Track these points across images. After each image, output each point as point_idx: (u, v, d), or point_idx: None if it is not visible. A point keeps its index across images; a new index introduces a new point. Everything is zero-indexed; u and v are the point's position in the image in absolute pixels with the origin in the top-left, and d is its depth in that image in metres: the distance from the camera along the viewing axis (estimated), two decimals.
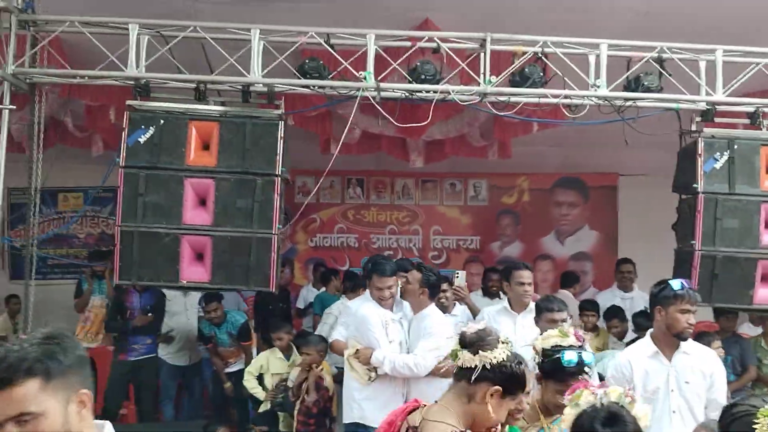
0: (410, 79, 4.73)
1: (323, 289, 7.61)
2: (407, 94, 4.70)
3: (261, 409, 5.13)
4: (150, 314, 5.90)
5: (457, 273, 5.18)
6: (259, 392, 5.26)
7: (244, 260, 4.63)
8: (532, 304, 4.24)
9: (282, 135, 4.63)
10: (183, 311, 6.37)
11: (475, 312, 5.08)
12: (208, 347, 6.23)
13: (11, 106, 4.74)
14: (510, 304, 4.41)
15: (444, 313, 5.07)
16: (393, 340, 4.23)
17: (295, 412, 4.55)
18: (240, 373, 5.75)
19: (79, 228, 9.13)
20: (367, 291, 5.37)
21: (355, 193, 9.29)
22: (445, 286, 5.19)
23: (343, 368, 4.56)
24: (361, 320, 4.35)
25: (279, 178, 4.62)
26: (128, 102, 4.65)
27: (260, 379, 5.30)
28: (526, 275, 4.47)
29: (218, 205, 4.61)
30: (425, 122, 4.85)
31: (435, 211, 9.28)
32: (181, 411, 6.38)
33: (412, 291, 4.17)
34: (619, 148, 8.50)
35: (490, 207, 9.27)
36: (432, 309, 4.31)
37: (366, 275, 4.38)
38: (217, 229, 4.62)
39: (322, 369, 4.63)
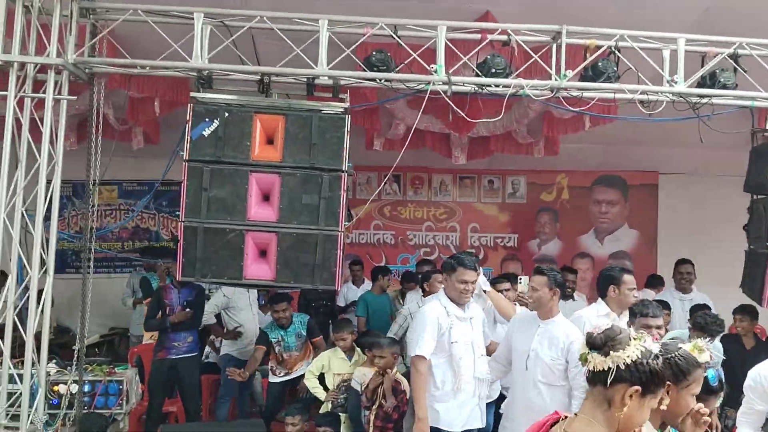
0: (479, 73, 4.59)
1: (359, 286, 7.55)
2: (477, 88, 4.56)
3: (322, 410, 5.01)
4: (188, 310, 5.76)
5: (521, 278, 4.98)
6: (320, 392, 5.14)
7: (310, 258, 4.49)
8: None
9: (348, 129, 4.49)
10: (248, 306, 6.26)
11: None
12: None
13: (72, 97, 4.63)
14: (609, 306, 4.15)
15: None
16: (456, 341, 3.99)
17: (371, 417, 4.41)
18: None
19: (113, 222, 9.03)
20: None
21: (392, 189, 9.17)
22: (506, 285, 5.05)
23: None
24: (418, 318, 4.15)
25: (345, 174, 4.48)
26: (192, 94, 4.52)
27: (321, 379, 5.18)
28: (631, 280, 4.13)
29: (283, 200, 4.47)
30: (496, 117, 4.69)
31: (472, 208, 9.16)
32: (236, 410, 6.25)
33: (542, 298, 3.79)
34: (659, 146, 8.43)
35: (528, 204, 9.14)
36: (562, 316, 3.95)
37: (446, 269, 4.14)
38: (282, 225, 4.48)
39: (396, 372, 4.50)
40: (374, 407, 4.43)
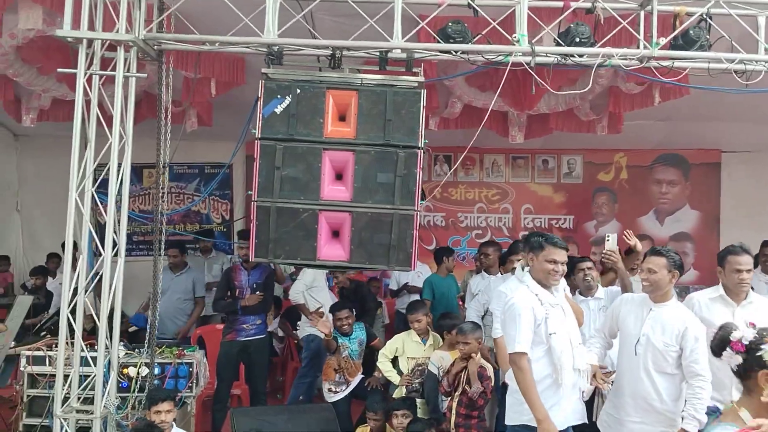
0: (561, 43, 4.37)
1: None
2: (560, 59, 4.34)
3: (395, 395, 4.89)
4: (259, 293, 5.67)
5: (608, 235, 4.49)
6: (393, 376, 5.01)
7: (385, 238, 4.35)
8: (753, 295, 3.84)
9: (424, 104, 4.31)
10: (325, 286, 6.17)
11: (626, 285, 4.56)
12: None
13: (143, 74, 4.52)
14: (726, 292, 3.88)
15: (586, 296, 4.74)
16: (555, 332, 3.67)
17: (454, 404, 4.27)
18: None
19: (164, 205, 8.97)
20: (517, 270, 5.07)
21: (443, 170, 8.97)
22: (588, 264, 4.83)
23: None
24: (510, 310, 3.79)
25: (421, 151, 4.31)
26: (263, 70, 4.38)
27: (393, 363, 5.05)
28: (744, 261, 3.82)
29: (357, 179, 4.33)
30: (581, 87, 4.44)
31: (526, 189, 8.93)
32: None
33: (661, 280, 3.56)
34: (722, 123, 8.10)
35: (584, 184, 8.89)
36: (676, 300, 3.73)
37: (530, 247, 3.89)
38: (357, 204, 4.34)
39: (479, 357, 4.33)
40: (457, 394, 4.28)
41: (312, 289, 6.12)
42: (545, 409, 3.51)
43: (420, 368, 4.93)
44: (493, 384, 4.26)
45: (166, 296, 6.37)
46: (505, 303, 3.89)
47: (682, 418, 3.47)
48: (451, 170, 7.97)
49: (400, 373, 5.00)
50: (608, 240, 4.34)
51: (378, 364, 5.15)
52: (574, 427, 3.77)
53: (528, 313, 3.67)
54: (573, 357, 3.69)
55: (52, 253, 8.29)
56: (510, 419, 3.70)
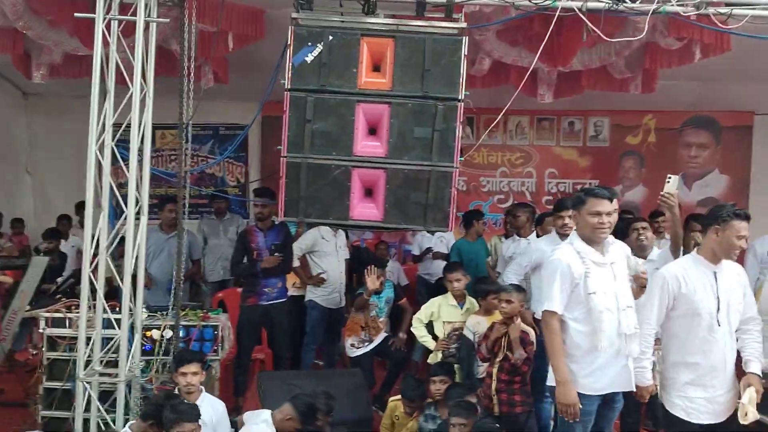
0: None
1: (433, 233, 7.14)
2: (612, 4, 4.05)
3: (430, 359, 4.73)
4: (277, 254, 5.46)
5: (669, 176, 4.05)
6: (428, 341, 4.84)
7: (422, 197, 4.12)
8: None
9: (465, 53, 4.04)
10: (334, 253, 5.95)
11: (678, 236, 4.17)
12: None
13: (164, 20, 4.26)
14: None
15: (639, 257, 4.51)
16: (595, 291, 3.42)
17: (494, 370, 4.08)
18: None
19: (177, 167, 8.74)
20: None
21: (464, 133, 8.69)
22: (643, 224, 4.58)
23: None
24: (547, 267, 3.62)
25: (462, 104, 4.06)
26: (293, 15, 4.10)
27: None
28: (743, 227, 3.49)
29: (393, 133, 4.07)
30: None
31: (551, 152, 8.67)
32: (322, 357, 6.02)
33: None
34: (757, 84, 7.80)
35: (611, 148, 8.63)
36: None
37: (576, 204, 3.64)
38: (392, 161, 4.10)
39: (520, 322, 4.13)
40: (498, 360, 4.09)
41: (315, 254, 5.96)
42: (567, 373, 3.39)
43: (456, 333, 4.76)
44: (535, 349, 4.07)
45: (160, 259, 6.09)
46: (545, 260, 3.73)
47: (748, 362, 3.39)
48: (488, 129, 7.54)
49: (435, 338, 4.83)
50: (668, 181, 3.96)
51: (412, 329, 4.98)
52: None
53: (564, 271, 3.48)
54: (618, 320, 3.47)
55: (62, 215, 8.10)
56: (549, 379, 3.54)
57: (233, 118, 8.56)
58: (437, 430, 4.09)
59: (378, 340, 5.43)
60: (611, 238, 3.64)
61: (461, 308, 4.86)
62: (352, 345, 5.42)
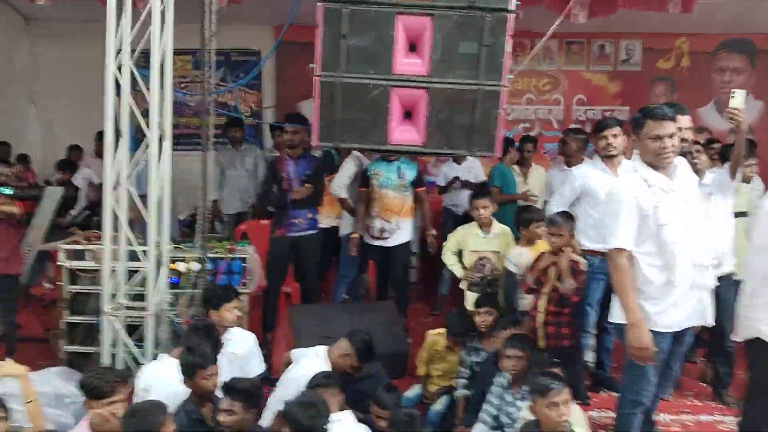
0: None
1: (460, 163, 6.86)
2: None
3: (462, 286, 4.57)
4: (308, 185, 5.19)
5: (734, 91, 3.68)
6: (457, 269, 4.64)
7: (466, 118, 3.82)
8: None
9: None
10: None
11: (739, 161, 3.91)
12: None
13: None
14: None
15: None
16: (666, 223, 3.16)
17: (542, 302, 3.87)
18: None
19: (189, 96, 8.41)
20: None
21: None
22: (696, 146, 4.29)
23: None
24: (611, 199, 3.30)
25: (512, 16, 3.71)
26: None
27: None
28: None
29: (436, 49, 3.73)
30: None
31: (579, 78, 8.29)
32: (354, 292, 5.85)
33: None
34: None
35: (643, 72, 8.23)
36: None
37: (635, 127, 3.34)
38: (435, 80, 3.78)
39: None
40: (545, 291, 3.87)
41: (355, 184, 5.66)
42: (639, 314, 3.12)
43: (481, 262, 4.54)
44: (586, 279, 3.86)
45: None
46: (608, 192, 3.40)
47: None
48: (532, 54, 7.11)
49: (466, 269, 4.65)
50: (733, 96, 3.63)
51: (442, 257, 4.77)
52: None
53: (631, 203, 3.19)
54: (692, 251, 3.21)
55: (74, 145, 7.81)
56: (614, 316, 3.31)
57: (246, 43, 8.15)
58: (481, 363, 3.92)
59: (396, 238, 5.22)
60: (678, 159, 3.36)
61: (486, 236, 4.62)
62: (368, 226, 5.25)
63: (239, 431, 3.07)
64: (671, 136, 3.20)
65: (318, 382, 3.22)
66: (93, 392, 2.96)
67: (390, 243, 5.27)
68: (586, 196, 4.42)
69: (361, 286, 6.10)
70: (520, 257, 4.28)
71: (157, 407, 2.80)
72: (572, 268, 3.83)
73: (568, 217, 4.01)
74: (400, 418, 3.08)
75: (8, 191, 4.67)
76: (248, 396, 3.11)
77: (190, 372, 3.28)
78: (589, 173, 4.50)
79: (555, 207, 4.40)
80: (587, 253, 4.17)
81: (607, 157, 4.47)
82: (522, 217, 4.48)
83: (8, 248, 4.73)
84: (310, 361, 3.47)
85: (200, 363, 3.27)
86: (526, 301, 4.19)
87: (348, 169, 5.67)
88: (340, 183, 5.58)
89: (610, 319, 3.37)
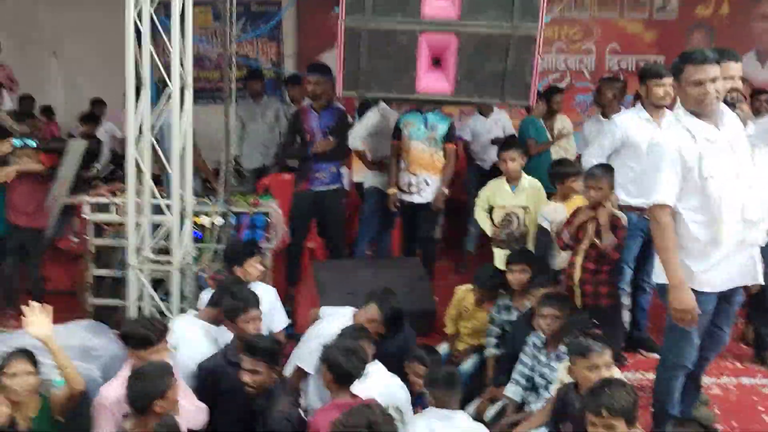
0: None
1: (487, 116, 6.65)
2: None
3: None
4: (331, 137, 5.04)
5: None
6: (487, 226, 4.50)
7: (499, 65, 3.65)
8: None
9: None
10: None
11: None
12: None
13: None
14: None
15: None
16: (712, 176, 2.94)
17: (579, 259, 3.73)
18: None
19: (210, 49, 8.25)
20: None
21: None
22: (733, 93, 4.03)
23: None
24: (653, 152, 3.09)
25: None
26: None
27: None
28: None
29: None
30: None
31: (613, 26, 7.95)
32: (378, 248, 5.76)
33: None
34: None
35: (680, 20, 7.86)
36: None
37: (674, 73, 3.12)
38: (466, 24, 3.61)
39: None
40: (583, 247, 3.72)
41: (376, 136, 5.51)
42: (682, 275, 2.95)
43: (508, 218, 4.39)
44: (626, 234, 3.71)
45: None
46: (650, 144, 3.21)
47: None
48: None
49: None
50: None
51: (475, 215, 4.63)
52: None
53: (673, 156, 2.98)
54: (741, 205, 3.01)
55: (96, 99, 7.73)
56: (656, 276, 3.16)
57: None
58: (514, 322, 3.82)
59: (425, 191, 5.02)
60: (723, 106, 3.14)
61: (513, 191, 4.44)
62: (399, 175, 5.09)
63: (263, 389, 3.04)
64: (713, 80, 2.97)
65: (351, 334, 3.15)
66: (139, 341, 2.94)
67: (417, 199, 5.13)
68: (626, 147, 4.18)
69: (390, 241, 5.99)
70: (554, 213, 4.11)
71: (163, 368, 2.76)
72: (612, 223, 3.67)
73: (607, 169, 3.81)
74: (439, 376, 2.95)
75: (33, 143, 4.61)
76: (271, 355, 3.06)
77: (231, 315, 3.27)
78: (630, 123, 4.24)
79: (593, 159, 4.16)
80: (625, 209, 3.99)
81: (656, 107, 4.21)
82: (557, 172, 4.27)
83: (34, 202, 4.72)
84: (337, 320, 3.40)
85: (242, 306, 3.26)
86: (560, 258, 4.05)
87: (368, 121, 5.49)
88: (358, 134, 5.41)
89: (652, 280, 3.22)
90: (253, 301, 3.33)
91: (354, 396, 2.88)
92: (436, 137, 5.05)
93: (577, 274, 3.74)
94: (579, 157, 5.41)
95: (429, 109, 5.04)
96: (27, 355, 2.97)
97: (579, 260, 3.74)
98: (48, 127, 8.02)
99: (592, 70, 8.06)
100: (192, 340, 3.37)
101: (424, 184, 5.07)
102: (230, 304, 3.30)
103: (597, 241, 3.65)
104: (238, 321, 3.27)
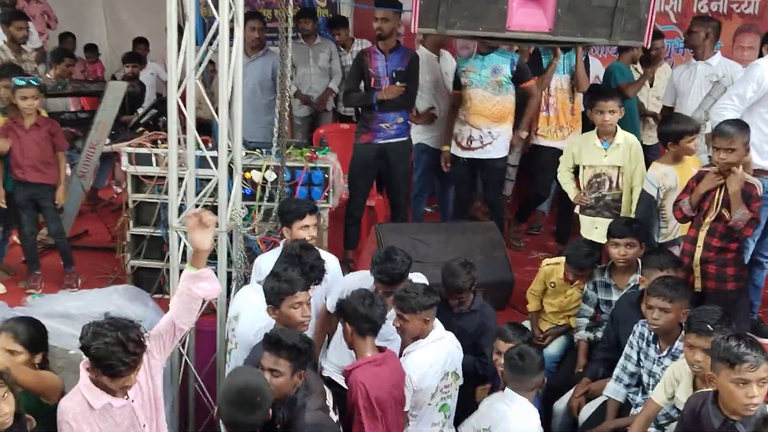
0: None
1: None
2: None
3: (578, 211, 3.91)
4: (400, 83, 4.44)
5: None
6: (570, 189, 3.92)
7: None
8: None
9: None
10: (443, 84, 4.95)
11: None
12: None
13: None
14: None
15: None
16: None
17: (702, 234, 3.09)
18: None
19: None
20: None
21: None
22: None
23: None
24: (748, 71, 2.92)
25: None
26: None
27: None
28: None
29: None
30: None
31: None
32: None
33: None
34: None
35: None
36: None
37: None
38: None
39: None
40: (708, 220, 3.10)
41: (423, 85, 4.87)
42: None
43: (598, 180, 3.81)
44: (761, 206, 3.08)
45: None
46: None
47: None
48: None
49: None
50: None
51: (558, 175, 4.04)
52: None
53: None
54: None
55: (139, 38, 7.26)
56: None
57: None
58: (614, 303, 3.27)
59: (488, 148, 4.52)
60: None
61: (606, 148, 3.82)
62: (456, 136, 4.64)
63: (282, 395, 2.45)
64: None
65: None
66: (277, 295, 2.79)
67: (481, 154, 4.56)
68: (763, 100, 3.52)
69: (452, 199, 5.45)
70: (664, 178, 3.48)
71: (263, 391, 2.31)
72: (746, 192, 3.03)
73: (742, 126, 3.10)
74: (516, 357, 2.68)
75: (35, 83, 4.09)
76: (297, 354, 2.46)
77: (275, 299, 2.80)
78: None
79: (727, 112, 3.46)
80: (757, 174, 3.34)
81: None
82: (670, 130, 3.56)
83: (45, 157, 4.19)
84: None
85: (286, 289, 2.78)
86: (665, 231, 3.45)
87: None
88: None
89: None
90: (301, 283, 2.83)
91: (381, 348, 2.81)
92: (502, 80, 4.47)
93: (698, 252, 3.12)
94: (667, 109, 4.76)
95: (493, 48, 4.42)
96: (14, 331, 2.69)
97: (702, 235, 3.12)
98: (92, 68, 7.62)
99: (678, 11, 7.20)
100: (252, 309, 3.03)
101: (489, 137, 4.50)
102: (273, 287, 2.80)
103: (726, 214, 3.02)
104: (282, 306, 2.79)
